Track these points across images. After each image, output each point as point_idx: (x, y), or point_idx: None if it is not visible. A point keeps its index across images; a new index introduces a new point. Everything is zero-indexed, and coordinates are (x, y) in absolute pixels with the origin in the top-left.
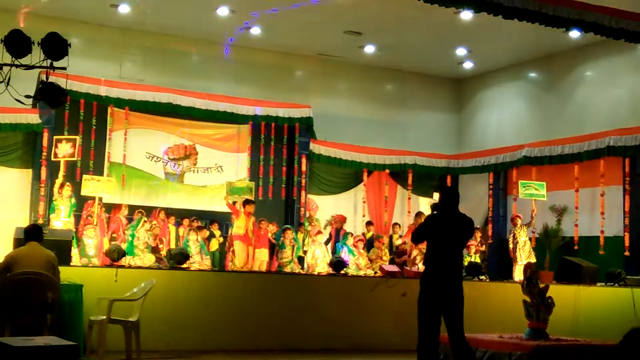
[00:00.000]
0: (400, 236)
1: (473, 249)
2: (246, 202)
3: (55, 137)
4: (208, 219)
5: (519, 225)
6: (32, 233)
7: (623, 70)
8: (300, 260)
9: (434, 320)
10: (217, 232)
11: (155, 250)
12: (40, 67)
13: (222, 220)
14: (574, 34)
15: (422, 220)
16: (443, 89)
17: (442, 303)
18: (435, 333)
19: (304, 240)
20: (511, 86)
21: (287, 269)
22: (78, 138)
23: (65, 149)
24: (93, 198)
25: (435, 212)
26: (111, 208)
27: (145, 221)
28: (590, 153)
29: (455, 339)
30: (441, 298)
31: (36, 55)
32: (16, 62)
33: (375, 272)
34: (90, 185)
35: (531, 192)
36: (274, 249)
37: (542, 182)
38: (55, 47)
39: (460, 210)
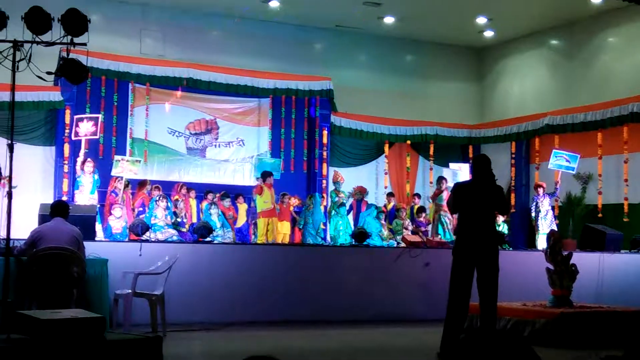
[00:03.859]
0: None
1: (502, 218)
2: (267, 175)
3: (75, 116)
4: (232, 193)
5: (541, 194)
6: (58, 209)
7: None
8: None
9: (465, 291)
10: (244, 206)
11: (175, 225)
12: (61, 43)
13: (246, 194)
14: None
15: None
16: (464, 59)
17: (475, 271)
18: (465, 304)
19: (329, 212)
20: (532, 54)
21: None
22: (100, 116)
23: (86, 128)
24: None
25: (458, 182)
26: (135, 184)
27: (159, 200)
28: (613, 120)
29: (486, 309)
30: (474, 267)
31: (56, 32)
32: (37, 39)
33: (398, 243)
34: (121, 166)
35: (561, 162)
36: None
37: (576, 154)
38: (75, 23)
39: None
